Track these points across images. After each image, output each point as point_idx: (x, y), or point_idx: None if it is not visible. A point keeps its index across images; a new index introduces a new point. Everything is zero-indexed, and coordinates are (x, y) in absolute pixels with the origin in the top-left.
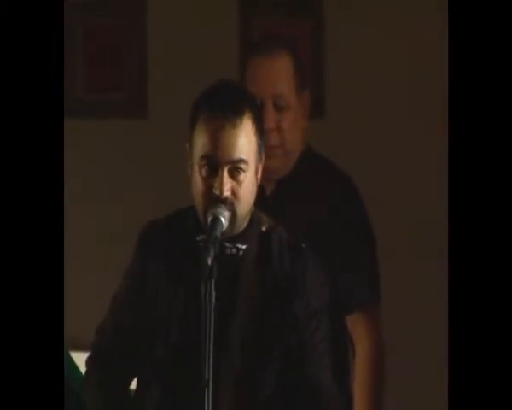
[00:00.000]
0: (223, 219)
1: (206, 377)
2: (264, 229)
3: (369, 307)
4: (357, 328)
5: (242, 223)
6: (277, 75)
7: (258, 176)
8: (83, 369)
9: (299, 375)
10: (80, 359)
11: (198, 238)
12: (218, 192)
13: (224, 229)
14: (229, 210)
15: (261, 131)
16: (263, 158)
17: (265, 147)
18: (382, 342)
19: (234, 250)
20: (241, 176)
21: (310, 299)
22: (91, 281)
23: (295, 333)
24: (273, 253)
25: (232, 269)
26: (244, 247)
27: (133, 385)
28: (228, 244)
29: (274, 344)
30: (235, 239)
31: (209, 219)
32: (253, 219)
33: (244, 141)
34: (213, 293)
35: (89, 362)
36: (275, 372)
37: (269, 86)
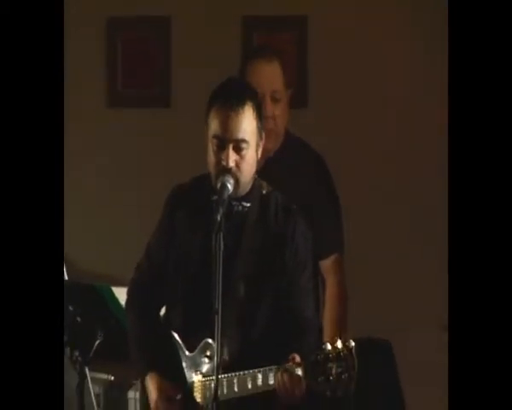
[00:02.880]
0: (229, 185)
1: (216, 306)
2: (264, 192)
3: (336, 253)
4: (327, 270)
5: (246, 187)
6: (273, 75)
7: (259, 152)
8: (122, 301)
9: (288, 309)
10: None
11: (212, 198)
12: (225, 163)
13: (230, 192)
14: (234, 178)
15: (261, 118)
16: (263, 138)
17: (264, 130)
18: (344, 280)
19: (240, 207)
20: (243, 152)
21: (298, 250)
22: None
23: (286, 276)
24: (270, 211)
25: (238, 222)
26: (248, 205)
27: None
28: (235, 202)
29: (269, 284)
30: (241, 199)
31: (218, 185)
32: (256, 185)
33: (245, 125)
34: (222, 242)
35: (128, 293)
36: (269, 306)
37: (267, 83)
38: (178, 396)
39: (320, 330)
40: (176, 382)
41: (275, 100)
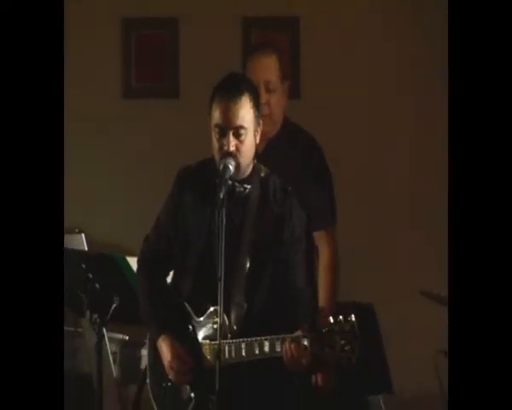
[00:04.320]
0: (230, 166)
1: (219, 274)
2: (263, 175)
3: (329, 225)
4: (321, 241)
5: (246, 170)
6: (268, 67)
7: (257, 138)
8: (135, 267)
9: (286, 279)
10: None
11: (216, 180)
12: (226, 148)
13: (231, 174)
14: (235, 160)
15: (258, 107)
16: (260, 125)
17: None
18: (337, 250)
19: (241, 189)
20: (242, 137)
21: (294, 227)
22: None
23: (284, 251)
24: (269, 192)
25: (241, 201)
26: (249, 187)
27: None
28: (237, 184)
29: (269, 257)
30: (242, 181)
31: (221, 166)
32: (255, 168)
33: (243, 113)
34: (224, 217)
35: (139, 262)
36: (270, 276)
37: (262, 74)
38: (189, 358)
39: (315, 299)
40: (186, 344)
41: (269, 90)
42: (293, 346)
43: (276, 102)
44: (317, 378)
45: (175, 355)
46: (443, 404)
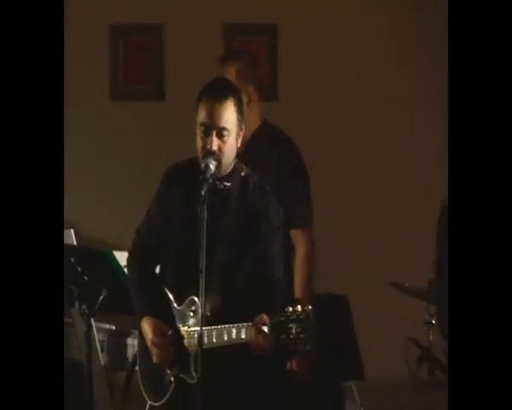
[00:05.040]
0: (211, 166)
1: (201, 266)
2: (243, 174)
3: (304, 224)
4: (298, 239)
5: (227, 168)
6: (232, 77)
7: (238, 141)
8: (122, 263)
9: (262, 272)
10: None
11: (200, 177)
12: (209, 147)
13: (213, 172)
14: (216, 160)
15: (241, 112)
16: (243, 130)
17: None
18: (314, 248)
19: (222, 186)
20: (225, 138)
21: (271, 223)
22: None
23: (262, 245)
24: (248, 190)
25: (221, 199)
26: (229, 184)
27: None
28: (218, 182)
29: (247, 250)
30: (223, 179)
31: (203, 165)
32: (236, 167)
33: (227, 116)
34: (205, 212)
35: (130, 252)
36: (247, 269)
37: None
38: (170, 332)
39: (290, 290)
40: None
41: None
42: (253, 333)
43: (246, 104)
44: (292, 365)
45: (157, 332)
46: (412, 389)
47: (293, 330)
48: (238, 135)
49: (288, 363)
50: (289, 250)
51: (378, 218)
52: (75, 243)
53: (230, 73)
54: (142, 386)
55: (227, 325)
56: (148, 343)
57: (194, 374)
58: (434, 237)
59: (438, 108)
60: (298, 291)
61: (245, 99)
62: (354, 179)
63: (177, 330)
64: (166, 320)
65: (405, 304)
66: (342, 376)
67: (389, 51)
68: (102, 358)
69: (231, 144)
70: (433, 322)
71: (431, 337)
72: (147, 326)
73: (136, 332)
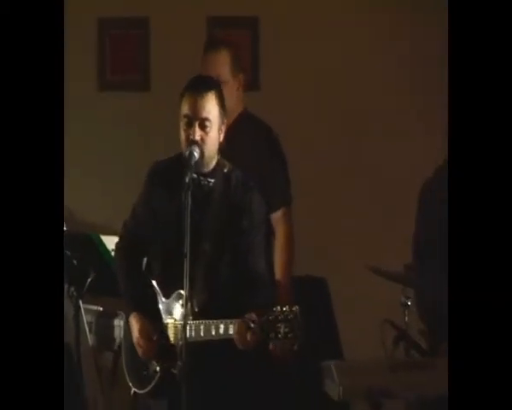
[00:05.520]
0: (195, 153)
1: (185, 251)
2: (226, 170)
3: (284, 205)
4: (277, 221)
5: (210, 162)
6: (218, 62)
7: (221, 135)
8: (109, 247)
9: (246, 264)
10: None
11: (184, 165)
12: (192, 137)
13: (196, 160)
14: (199, 149)
15: (223, 105)
16: (225, 124)
17: None
18: (292, 230)
19: (206, 182)
20: (208, 129)
21: (253, 218)
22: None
23: (244, 238)
24: (231, 186)
25: (205, 194)
26: (213, 181)
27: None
28: (202, 178)
29: (230, 244)
30: (206, 175)
31: (186, 153)
32: (219, 163)
33: (209, 107)
34: (189, 199)
35: (117, 245)
36: (230, 262)
37: (213, 70)
38: (155, 337)
39: (273, 283)
40: (154, 322)
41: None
42: (242, 329)
43: (229, 93)
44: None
45: (143, 335)
46: (388, 369)
47: (281, 330)
48: (220, 129)
49: (271, 344)
50: (270, 236)
51: (357, 202)
52: (64, 228)
53: (225, 57)
54: (126, 375)
55: (215, 320)
56: (134, 340)
57: (180, 364)
58: (412, 222)
59: (438, 108)
60: (278, 274)
61: (236, 85)
62: (333, 164)
63: (164, 327)
64: (153, 314)
65: (382, 287)
66: (321, 356)
67: (389, 51)
68: (90, 339)
69: (213, 136)
70: (409, 304)
71: (407, 319)
72: (134, 324)
73: (123, 314)
